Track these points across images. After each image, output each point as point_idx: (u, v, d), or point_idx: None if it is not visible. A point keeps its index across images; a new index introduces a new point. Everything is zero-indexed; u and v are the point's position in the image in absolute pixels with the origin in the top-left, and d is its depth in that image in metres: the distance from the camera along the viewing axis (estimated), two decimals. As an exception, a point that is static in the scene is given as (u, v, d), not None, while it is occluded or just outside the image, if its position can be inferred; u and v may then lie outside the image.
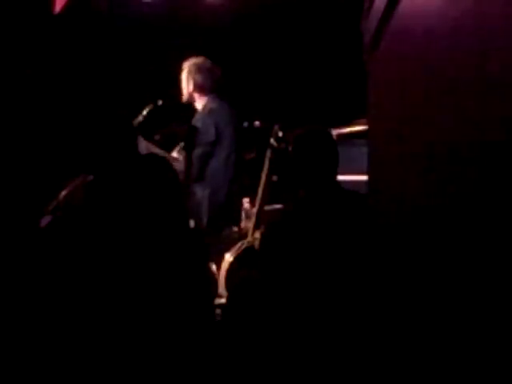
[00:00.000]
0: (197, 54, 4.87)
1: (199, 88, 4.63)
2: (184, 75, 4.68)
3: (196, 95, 4.65)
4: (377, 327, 2.29)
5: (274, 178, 4.34)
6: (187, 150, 3.86)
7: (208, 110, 4.59)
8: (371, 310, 2.43)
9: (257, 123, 4.79)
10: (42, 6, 4.90)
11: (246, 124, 4.83)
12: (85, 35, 5.41)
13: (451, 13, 1.38)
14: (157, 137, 4.92)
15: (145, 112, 4.54)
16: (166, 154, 4.34)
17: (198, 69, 4.65)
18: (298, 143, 3.01)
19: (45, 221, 3.04)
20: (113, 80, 5.43)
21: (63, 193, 3.19)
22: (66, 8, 4.82)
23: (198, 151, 4.26)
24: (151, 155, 3.36)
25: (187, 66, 4.67)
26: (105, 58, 5.51)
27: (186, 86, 4.66)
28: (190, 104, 4.70)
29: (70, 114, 4.91)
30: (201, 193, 4.47)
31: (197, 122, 4.48)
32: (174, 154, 4.61)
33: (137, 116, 4.51)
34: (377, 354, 2.27)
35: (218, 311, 2.99)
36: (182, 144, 4.59)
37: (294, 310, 2.74)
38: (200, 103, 4.65)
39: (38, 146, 4.68)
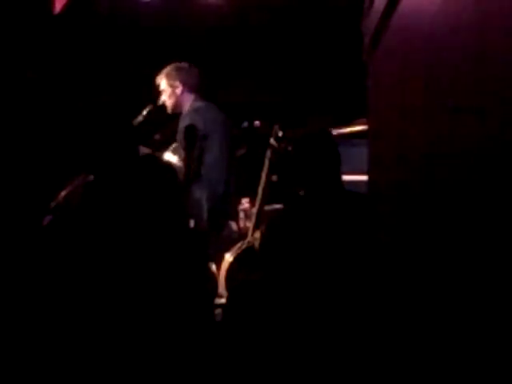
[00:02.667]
0: (196, 54, 4.88)
1: (188, 87, 4.61)
2: (164, 85, 4.62)
3: (184, 96, 4.62)
4: (377, 327, 2.29)
5: (274, 178, 4.34)
6: (187, 151, 3.85)
7: (194, 108, 4.58)
8: (372, 310, 2.43)
9: (257, 123, 4.79)
10: (41, 5, 4.90)
11: (245, 124, 4.82)
12: (85, 35, 5.41)
13: (451, 12, 1.38)
14: (157, 136, 4.92)
15: (145, 112, 4.53)
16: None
17: (180, 69, 4.64)
18: (299, 145, 3.01)
19: (45, 220, 3.04)
20: (113, 80, 5.43)
21: (63, 193, 3.19)
22: (65, 8, 4.82)
23: None
24: (151, 156, 3.36)
25: (166, 75, 4.63)
26: (105, 58, 5.52)
27: (172, 92, 4.61)
28: (178, 114, 4.65)
29: (70, 114, 4.91)
30: (198, 191, 4.46)
31: (184, 119, 4.47)
32: (168, 154, 4.60)
33: (137, 116, 4.51)
34: (377, 354, 2.27)
35: (218, 311, 2.99)
36: (174, 145, 4.58)
37: (294, 310, 2.74)
38: (187, 104, 4.62)
39: (39, 146, 4.68)
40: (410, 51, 1.79)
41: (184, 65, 4.67)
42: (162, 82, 4.63)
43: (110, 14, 5.53)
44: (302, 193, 3.01)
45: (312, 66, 5.80)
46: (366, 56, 2.64)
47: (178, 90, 4.61)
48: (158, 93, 4.67)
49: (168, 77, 4.62)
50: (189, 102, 4.63)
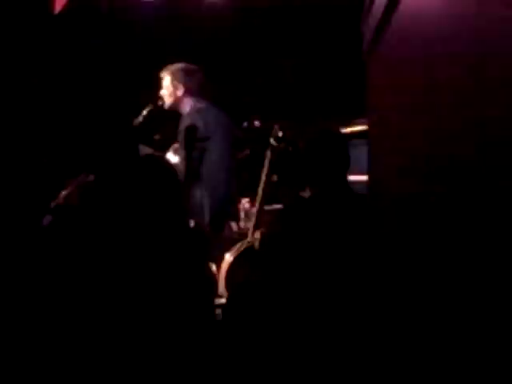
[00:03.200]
0: (197, 54, 4.88)
1: (190, 91, 4.61)
2: (168, 82, 4.63)
3: (184, 99, 4.62)
4: (378, 328, 2.29)
5: (274, 177, 4.34)
6: (187, 151, 3.85)
7: (196, 110, 4.58)
8: (373, 308, 2.43)
9: (257, 123, 4.78)
10: (41, 6, 4.90)
11: (245, 124, 4.82)
12: (85, 35, 5.41)
13: (451, 13, 1.38)
14: (156, 137, 4.92)
15: (145, 112, 4.54)
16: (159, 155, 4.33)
17: (186, 72, 4.63)
18: (311, 144, 3.01)
19: (45, 221, 3.04)
20: (113, 80, 5.43)
21: (63, 193, 3.20)
22: (65, 8, 4.82)
23: None
24: (151, 155, 3.36)
25: (171, 73, 4.63)
26: (105, 58, 5.52)
27: (173, 91, 4.61)
28: (175, 110, 4.66)
29: (70, 114, 4.91)
30: (199, 193, 4.46)
31: (186, 120, 4.47)
32: (169, 155, 4.60)
33: (137, 116, 4.51)
34: (378, 354, 2.27)
35: (218, 311, 2.99)
36: (175, 145, 4.59)
37: (295, 310, 2.74)
38: (187, 106, 4.62)
39: (39, 146, 4.68)
40: (409, 51, 1.79)
41: (191, 67, 4.66)
42: (167, 79, 4.64)
43: (110, 14, 5.53)
44: (305, 193, 3.01)
45: (312, 66, 5.80)
46: (365, 56, 2.64)
47: (179, 92, 4.61)
48: (160, 84, 4.66)
49: (173, 76, 4.62)
50: (189, 103, 4.63)
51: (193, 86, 4.62)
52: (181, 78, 4.61)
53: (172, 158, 4.56)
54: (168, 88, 4.62)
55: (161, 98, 4.65)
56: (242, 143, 4.89)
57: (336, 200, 2.93)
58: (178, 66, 4.65)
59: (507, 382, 1.11)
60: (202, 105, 4.62)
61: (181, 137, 4.33)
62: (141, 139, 4.40)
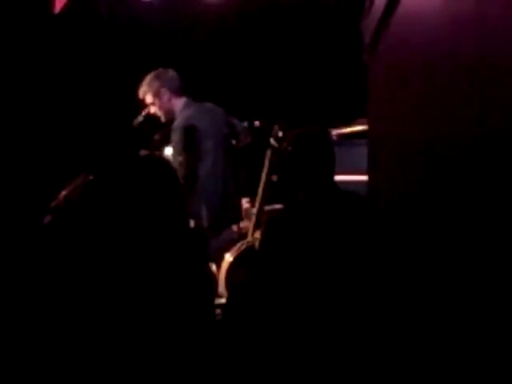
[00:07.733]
0: (197, 55, 4.87)
1: (175, 91, 4.45)
2: (150, 97, 4.46)
3: (173, 102, 4.45)
4: (378, 327, 2.29)
5: (274, 178, 4.34)
6: (187, 151, 3.84)
7: (185, 117, 4.41)
8: (372, 307, 2.43)
9: (257, 123, 4.78)
10: (41, 5, 4.91)
11: (246, 124, 4.81)
12: (84, 35, 5.41)
13: (451, 13, 1.38)
14: (156, 137, 4.92)
15: (144, 112, 4.51)
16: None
17: (158, 76, 4.48)
18: (295, 145, 3.00)
19: (45, 220, 3.04)
20: (113, 80, 5.43)
21: (63, 193, 3.19)
22: (65, 8, 4.82)
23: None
24: (151, 155, 3.36)
25: (148, 86, 4.46)
26: (104, 58, 5.52)
27: (159, 101, 4.44)
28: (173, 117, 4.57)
29: (70, 114, 4.91)
30: (197, 199, 4.35)
31: (175, 132, 4.34)
32: (168, 149, 4.55)
33: (136, 116, 4.50)
34: (377, 354, 2.27)
35: (218, 311, 2.99)
36: (171, 145, 4.52)
37: (294, 310, 2.74)
38: (177, 109, 4.49)
39: (39, 146, 4.68)
40: (409, 51, 1.80)
41: (162, 70, 4.54)
42: (148, 96, 4.47)
43: (109, 14, 5.53)
44: (300, 194, 3.00)
45: (312, 66, 5.80)
46: (366, 56, 2.65)
47: (165, 98, 4.45)
48: (146, 105, 4.54)
49: (151, 87, 4.47)
50: (179, 106, 4.50)
51: (174, 84, 4.47)
52: (160, 83, 4.45)
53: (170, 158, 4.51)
54: (155, 102, 4.44)
55: (156, 114, 4.54)
56: (237, 135, 4.80)
57: (326, 200, 2.92)
58: (150, 76, 4.46)
59: (507, 381, 1.11)
60: (190, 111, 4.41)
61: (176, 136, 4.27)
62: (141, 139, 4.38)
